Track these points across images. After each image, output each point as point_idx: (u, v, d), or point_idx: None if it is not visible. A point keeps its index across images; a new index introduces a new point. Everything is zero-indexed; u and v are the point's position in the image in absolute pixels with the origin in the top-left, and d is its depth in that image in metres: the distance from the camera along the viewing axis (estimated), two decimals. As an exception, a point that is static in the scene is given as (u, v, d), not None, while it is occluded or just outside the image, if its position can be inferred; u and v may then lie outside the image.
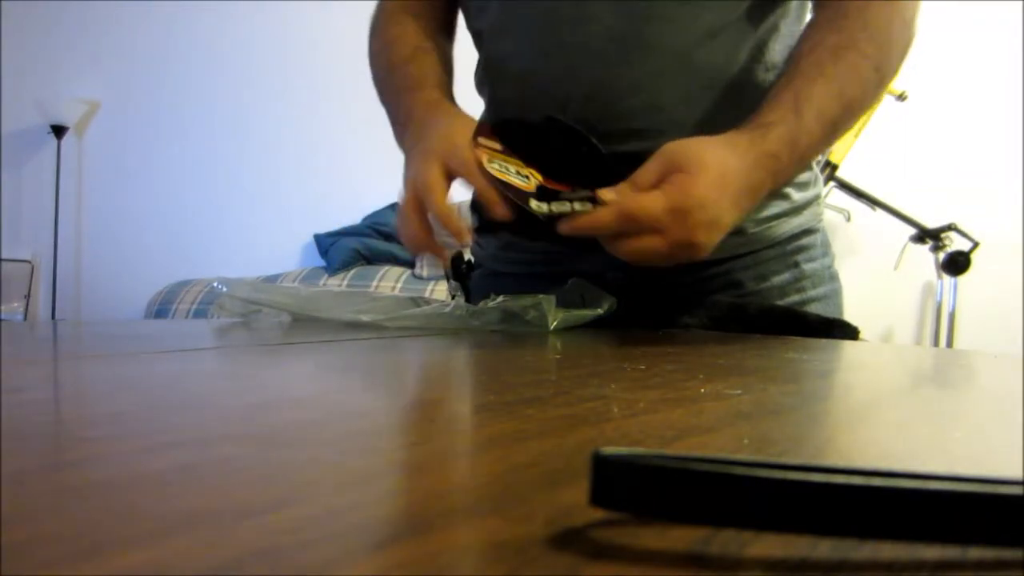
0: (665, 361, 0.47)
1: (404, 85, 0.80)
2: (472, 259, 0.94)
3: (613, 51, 0.73)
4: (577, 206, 0.63)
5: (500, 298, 0.68)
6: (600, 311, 0.71)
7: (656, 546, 0.14)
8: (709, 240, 0.62)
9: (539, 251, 0.84)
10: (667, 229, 0.61)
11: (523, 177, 0.68)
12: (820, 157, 2.53)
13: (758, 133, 0.65)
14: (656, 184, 0.62)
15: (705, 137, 0.65)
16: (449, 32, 0.89)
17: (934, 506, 0.13)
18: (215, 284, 0.70)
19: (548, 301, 0.66)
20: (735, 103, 0.76)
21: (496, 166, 0.67)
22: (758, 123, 0.66)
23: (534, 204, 0.64)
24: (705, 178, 0.61)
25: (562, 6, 0.74)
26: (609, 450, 0.14)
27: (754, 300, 0.79)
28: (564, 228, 0.63)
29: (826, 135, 0.68)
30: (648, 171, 0.63)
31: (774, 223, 0.80)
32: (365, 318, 0.64)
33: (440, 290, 2.81)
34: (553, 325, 0.65)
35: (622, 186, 0.63)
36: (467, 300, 0.90)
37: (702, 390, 0.33)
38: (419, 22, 0.85)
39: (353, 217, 3.29)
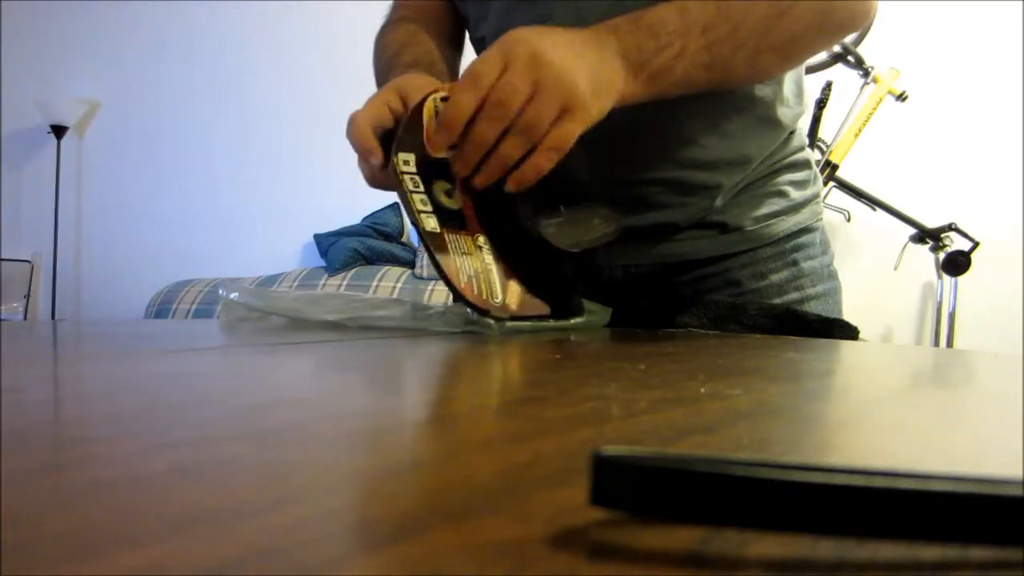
0: (665, 361, 0.47)
1: (395, 63, 0.80)
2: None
3: None
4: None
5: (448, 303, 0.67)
6: (547, 324, 0.69)
7: (656, 546, 0.14)
8: (558, 67, 0.59)
9: None
10: (508, 63, 0.59)
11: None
12: (819, 160, 2.53)
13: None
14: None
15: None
16: (455, 45, 0.89)
17: (934, 506, 0.13)
18: (220, 291, 0.71)
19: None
20: (733, 102, 0.76)
21: (444, 105, 0.62)
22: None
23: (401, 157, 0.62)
24: (525, 33, 0.61)
25: (556, 6, 0.74)
26: (609, 450, 0.14)
27: (752, 298, 0.79)
28: (433, 133, 0.61)
29: (688, 27, 0.65)
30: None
31: (772, 221, 0.80)
32: (331, 317, 0.64)
33: (440, 290, 2.81)
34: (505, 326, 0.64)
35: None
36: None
37: (702, 390, 0.33)
38: (424, 28, 0.85)
39: (353, 217, 3.29)
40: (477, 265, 0.64)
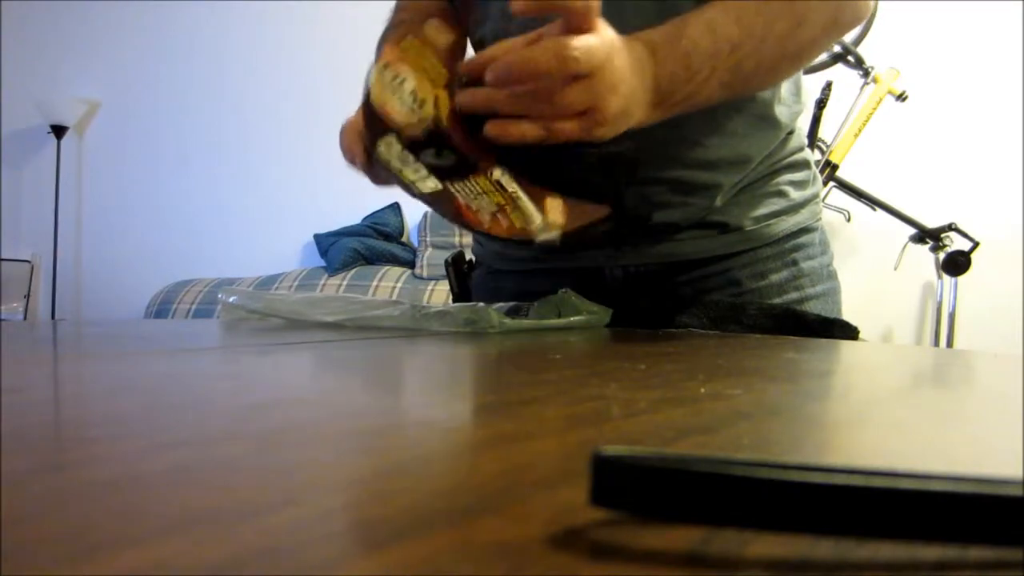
0: (665, 361, 0.47)
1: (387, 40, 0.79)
2: (473, 258, 0.94)
3: None
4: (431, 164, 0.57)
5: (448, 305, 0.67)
6: (547, 322, 0.69)
7: (656, 546, 0.14)
8: (616, 98, 0.58)
9: (539, 249, 0.84)
10: (594, 54, 0.57)
11: (409, 101, 0.59)
12: (819, 160, 2.53)
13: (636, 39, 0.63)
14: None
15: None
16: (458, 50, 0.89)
17: (934, 506, 0.13)
18: (219, 295, 0.71)
19: (487, 310, 0.64)
20: (732, 102, 0.76)
21: (389, 75, 0.58)
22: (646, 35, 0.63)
23: (382, 146, 0.58)
24: (595, 42, 0.58)
25: None
26: (609, 450, 0.14)
27: (752, 298, 0.79)
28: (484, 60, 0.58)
29: (718, 49, 0.64)
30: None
31: (772, 221, 0.80)
32: (330, 319, 0.65)
33: (440, 290, 2.81)
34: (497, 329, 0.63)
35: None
36: (468, 299, 0.90)
37: (702, 390, 0.33)
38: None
39: (353, 217, 3.30)
40: (499, 199, 0.61)
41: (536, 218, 0.61)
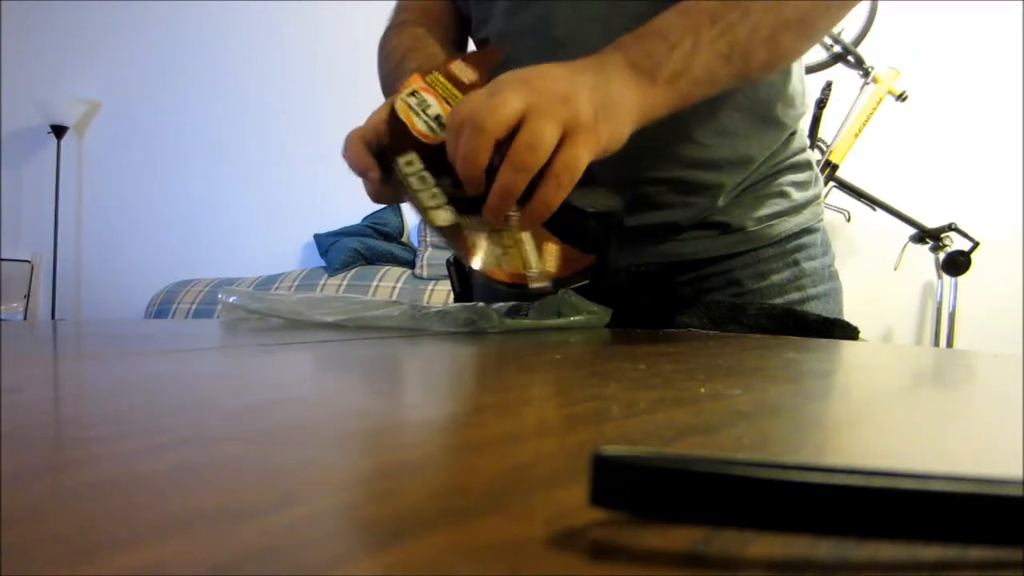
0: (665, 361, 0.47)
1: (400, 71, 0.78)
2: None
3: None
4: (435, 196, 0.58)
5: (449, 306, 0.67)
6: (547, 322, 0.69)
7: (656, 546, 0.14)
8: (551, 84, 0.56)
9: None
10: (493, 90, 0.55)
11: (433, 124, 0.60)
12: (819, 160, 2.53)
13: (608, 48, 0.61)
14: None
15: None
16: (459, 48, 0.89)
17: (934, 506, 0.13)
18: (219, 295, 0.71)
19: (487, 309, 0.64)
20: (734, 102, 0.76)
21: (414, 100, 0.59)
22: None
23: (402, 162, 0.59)
24: (515, 73, 0.57)
25: (557, 7, 0.75)
26: (609, 450, 0.14)
27: (753, 298, 0.79)
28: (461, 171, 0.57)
29: (696, 21, 0.62)
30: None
31: (774, 222, 0.80)
32: (330, 319, 0.65)
33: (440, 290, 2.81)
34: (499, 329, 0.63)
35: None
36: (470, 299, 0.90)
37: (702, 390, 0.33)
38: (427, 31, 0.85)
39: (353, 217, 3.29)
40: (507, 241, 0.62)
41: (534, 264, 0.62)
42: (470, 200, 0.61)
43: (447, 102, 0.60)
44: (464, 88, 0.60)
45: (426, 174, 0.61)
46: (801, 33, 0.68)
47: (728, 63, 0.63)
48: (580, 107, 0.55)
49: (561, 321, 0.69)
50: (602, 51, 0.61)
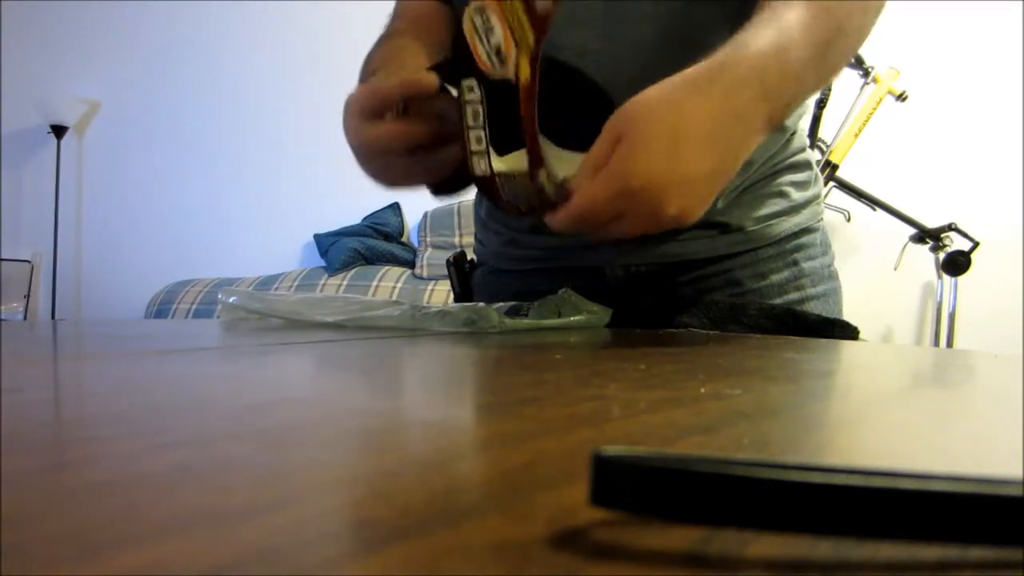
0: (665, 361, 0.47)
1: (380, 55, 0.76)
2: (475, 258, 0.94)
3: (607, 52, 0.73)
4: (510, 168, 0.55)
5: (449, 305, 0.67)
6: (547, 322, 0.69)
7: (656, 546, 0.14)
8: (687, 204, 0.56)
9: (541, 247, 0.84)
10: (628, 211, 0.56)
11: (494, 57, 0.55)
12: (819, 160, 2.53)
13: (731, 56, 0.57)
14: (607, 161, 0.55)
15: (661, 83, 0.57)
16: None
17: (934, 506, 0.13)
18: (219, 295, 0.71)
19: (487, 309, 0.64)
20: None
21: (480, 20, 0.55)
22: (733, 44, 0.58)
23: (474, 141, 0.56)
24: (648, 147, 0.54)
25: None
26: (609, 450, 0.14)
27: (753, 298, 0.79)
28: (552, 221, 0.58)
29: (819, 54, 0.61)
30: (599, 146, 0.56)
31: (773, 222, 0.80)
32: (330, 319, 0.64)
33: (440, 290, 2.81)
34: (498, 329, 0.63)
35: (581, 166, 0.56)
36: (470, 299, 0.90)
37: (702, 390, 0.33)
38: (415, 39, 0.83)
39: (353, 217, 3.30)
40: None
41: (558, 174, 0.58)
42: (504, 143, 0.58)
43: (511, 29, 0.56)
44: (536, 18, 0.55)
45: (480, 110, 0.57)
46: (861, 42, 0.68)
47: (814, 92, 0.65)
48: (700, 208, 0.57)
49: (561, 321, 0.69)
50: (749, 80, 0.57)
